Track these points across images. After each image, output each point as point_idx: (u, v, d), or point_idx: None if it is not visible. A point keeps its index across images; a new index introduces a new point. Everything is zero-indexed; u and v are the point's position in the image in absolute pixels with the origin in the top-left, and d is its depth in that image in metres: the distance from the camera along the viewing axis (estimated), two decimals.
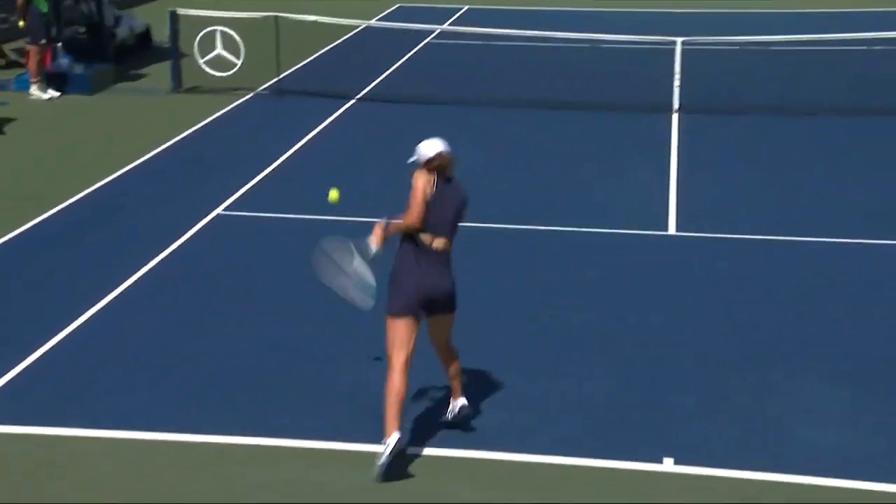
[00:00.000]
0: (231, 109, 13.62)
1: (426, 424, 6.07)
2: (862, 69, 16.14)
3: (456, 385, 6.05)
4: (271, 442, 5.93)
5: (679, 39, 15.01)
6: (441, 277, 5.66)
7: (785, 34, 16.20)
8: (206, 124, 12.89)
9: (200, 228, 9.32)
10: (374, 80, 15.17)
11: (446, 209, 5.64)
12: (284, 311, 7.71)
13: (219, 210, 9.77)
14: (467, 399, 6.04)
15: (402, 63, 16.48)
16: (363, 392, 6.41)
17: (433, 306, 5.67)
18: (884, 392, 6.58)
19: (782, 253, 8.95)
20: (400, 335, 5.62)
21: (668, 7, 21.74)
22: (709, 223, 9.57)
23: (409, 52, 17.14)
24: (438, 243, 5.64)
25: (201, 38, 14.74)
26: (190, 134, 12.46)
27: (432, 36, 17.74)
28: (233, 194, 10.20)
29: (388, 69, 15.95)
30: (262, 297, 7.97)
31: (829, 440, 6.02)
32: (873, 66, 16.26)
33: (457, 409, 6.03)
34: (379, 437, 5.54)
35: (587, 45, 16.80)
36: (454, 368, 5.99)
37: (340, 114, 13.39)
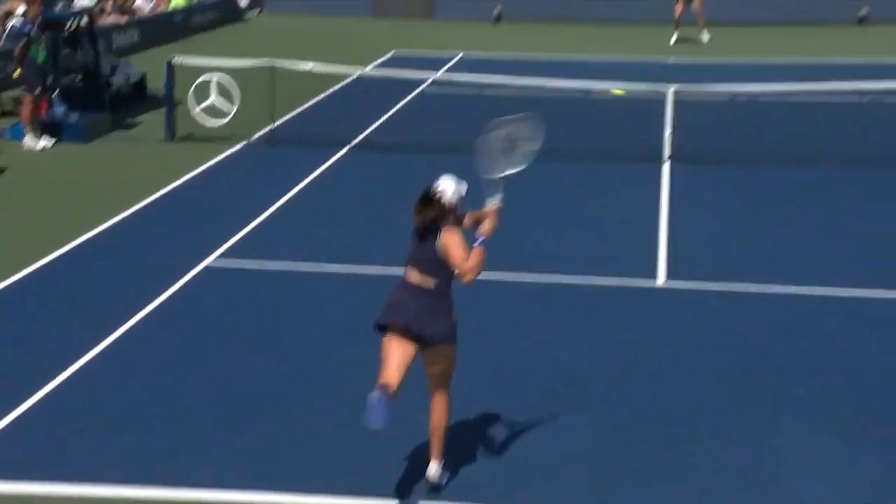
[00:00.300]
0: (225, 158, 13.74)
1: (413, 475, 6.09)
2: (856, 120, 16.28)
3: (432, 444, 5.98)
4: (270, 498, 5.97)
5: (671, 89, 15.20)
6: (408, 309, 5.74)
7: (775, 84, 16.35)
8: (199, 173, 13.00)
9: (191, 278, 9.38)
10: (367, 128, 15.32)
11: (416, 246, 5.84)
12: (278, 362, 7.75)
13: (210, 259, 9.84)
14: (445, 462, 5.99)
15: (396, 111, 16.65)
16: (367, 444, 6.45)
17: (404, 334, 5.75)
18: None
19: (772, 305, 9.01)
20: (383, 352, 5.79)
21: (660, 57, 21.98)
22: (699, 273, 9.63)
23: (404, 99, 17.32)
24: (411, 276, 5.81)
25: (196, 86, 14.90)
26: (182, 183, 12.56)
27: (427, 84, 17.94)
28: (224, 243, 10.27)
29: (382, 117, 16.12)
30: (256, 348, 8.01)
31: (826, 493, 6.05)
32: (867, 117, 16.41)
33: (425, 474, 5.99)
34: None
35: (580, 94, 16.98)
36: (434, 422, 5.95)
37: (334, 162, 13.51)
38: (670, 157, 13.56)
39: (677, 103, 16.13)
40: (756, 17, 25.78)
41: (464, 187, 5.85)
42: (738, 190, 12.48)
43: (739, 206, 11.88)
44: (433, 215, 5.74)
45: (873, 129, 15.58)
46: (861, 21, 26.21)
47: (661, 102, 16.20)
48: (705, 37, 23.65)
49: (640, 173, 13.08)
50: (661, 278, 9.53)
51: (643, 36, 24.63)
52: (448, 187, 5.79)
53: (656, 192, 12.22)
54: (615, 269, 9.73)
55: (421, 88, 17.93)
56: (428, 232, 5.77)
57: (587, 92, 16.71)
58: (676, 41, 23.47)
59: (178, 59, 15.00)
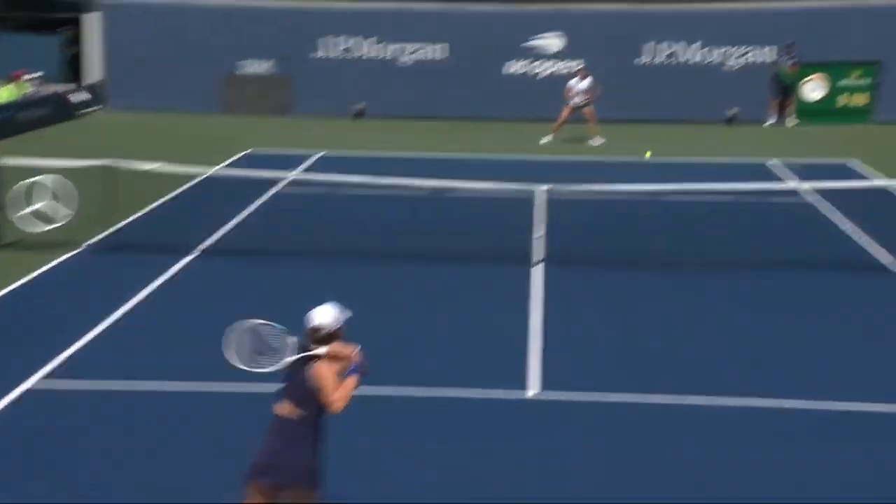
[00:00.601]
0: (56, 266, 13.15)
1: None
2: (725, 220, 16.74)
3: None
4: None
5: (542, 188, 15.35)
6: (265, 452, 5.74)
7: (647, 184, 16.74)
8: (24, 283, 12.39)
9: (7, 405, 8.82)
10: (217, 232, 14.97)
11: (288, 375, 5.86)
12: (111, 497, 7.24)
13: (31, 381, 9.28)
14: None
15: (249, 213, 16.36)
16: None
17: (261, 485, 5.66)
18: None
19: (640, 413, 8.98)
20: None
21: (531, 155, 22.39)
22: (572, 382, 9.55)
23: (258, 200, 17.06)
24: (282, 407, 5.79)
25: (25, 188, 14.35)
26: (3, 295, 11.94)
27: (283, 183, 17.74)
28: (49, 362, 9.72)
29: (233, 219, 15.79)
30: (80, 479, 7.48)
31: None
32: (735, 217, 16.92)
33: None
34: None
35: (444, 193, 17.04)
36: None
37: (180, 269, 13.08)
38: (541, 260, 13.61)
39: (549, 202, 16.32)
40: (626, 115, 26.64)
41: (345, 315, 5.86)
42: (607, 293, 12.50)
43: (608, 310, 11.87)
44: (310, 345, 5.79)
45: (743, 229, 16.01)
46: (730, 121, 27.45)
47: (532, 201, 16.38)
48: (597, 142, 23.75)
49: (509, 276, 13.05)
50: (532, 389, 9.41)
51: (513, 133, 25.11)
52: (326, 316, 5.82)
53: (526, 297, 12.19)
54: (485, 380, 9.57)
55: (277, 188, 17.72)
56: (300, 361, 5.74)
57: (453, 190, 16.79)
58: (548, 143, 23.83)
59: (2, 160, 14.42)
